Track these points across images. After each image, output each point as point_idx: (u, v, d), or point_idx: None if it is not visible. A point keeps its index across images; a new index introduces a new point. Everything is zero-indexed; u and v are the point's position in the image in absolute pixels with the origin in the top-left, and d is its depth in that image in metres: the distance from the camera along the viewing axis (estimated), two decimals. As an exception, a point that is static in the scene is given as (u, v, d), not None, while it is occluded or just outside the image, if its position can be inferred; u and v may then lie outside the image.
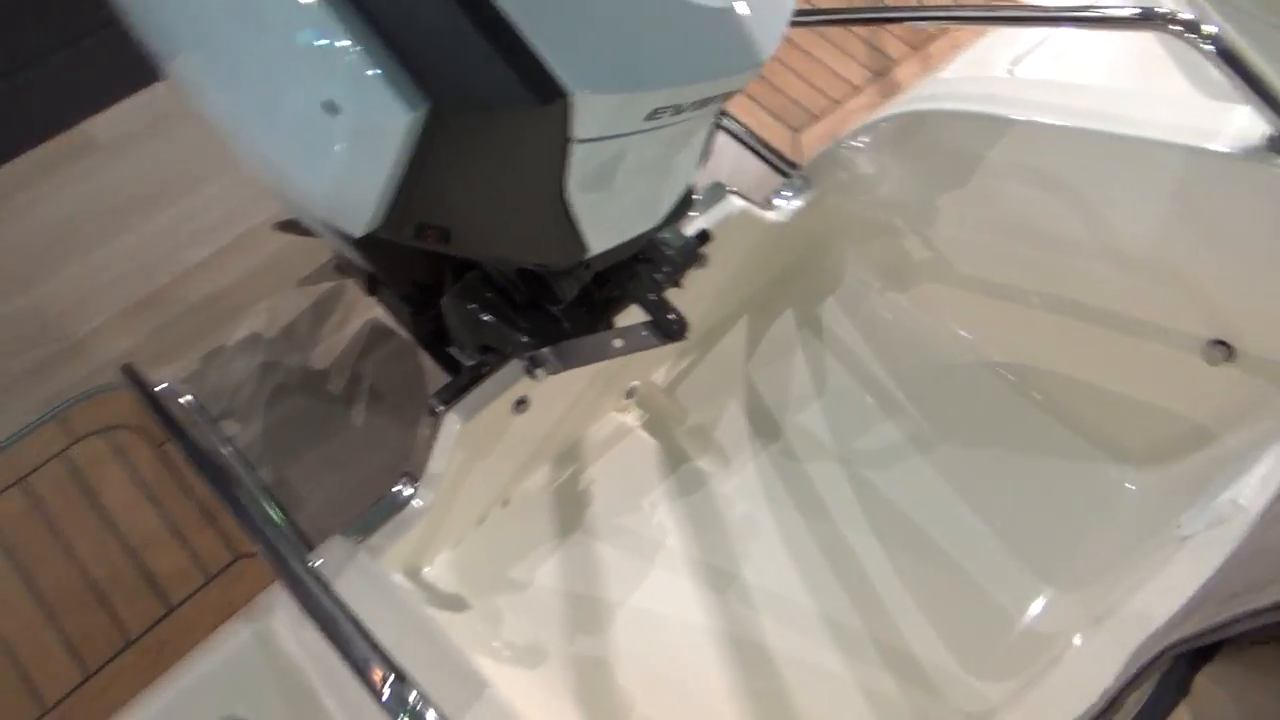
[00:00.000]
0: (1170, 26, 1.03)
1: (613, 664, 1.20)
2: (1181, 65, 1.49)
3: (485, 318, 1.13)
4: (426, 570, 1.26)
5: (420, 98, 0.77)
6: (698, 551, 1.29)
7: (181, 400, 1.47)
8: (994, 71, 1.50)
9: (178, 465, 1.36)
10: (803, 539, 1.30)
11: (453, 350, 1.30)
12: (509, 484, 1.33)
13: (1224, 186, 1.08)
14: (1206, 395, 1.20)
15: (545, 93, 0.76)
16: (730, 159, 1.72)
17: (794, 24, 1.60)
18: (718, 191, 1.40)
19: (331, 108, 0.79)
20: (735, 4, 0.81)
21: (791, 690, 1.19)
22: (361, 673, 0.68)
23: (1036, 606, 1.22)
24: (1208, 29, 1.01)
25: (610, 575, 1.27)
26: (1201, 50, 1.01)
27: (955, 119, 1.28)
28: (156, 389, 1.39)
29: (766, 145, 1.72)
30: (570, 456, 1.39)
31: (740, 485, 1.36)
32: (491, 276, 1.17)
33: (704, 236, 1.28)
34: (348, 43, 0.76)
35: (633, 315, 1.15)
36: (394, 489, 1.18)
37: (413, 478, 1.18)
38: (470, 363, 1.24)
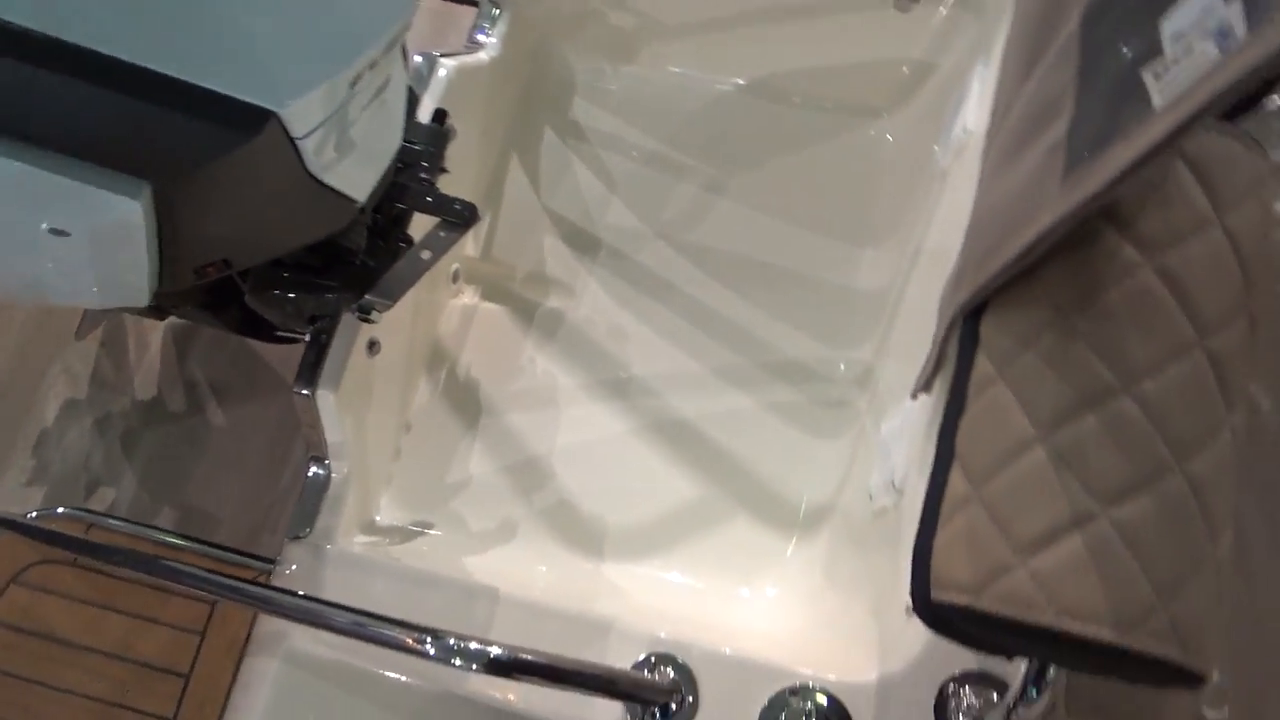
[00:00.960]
0: None
1: (573, 501, 1.35)
2: None
3: (293, 297, 1.16)
4: (378, 518, 1.36)
5: (135, 184, 0.78)
6: (589, 376, 1.42)
7: (60, 511, 1.46)
8: None
9: (100, 566, 1.39)
10: (665, 317, 1.44)
11: (283, 333, 1.33)
12: (402, 413, 1.41)
13: None
14: (913, 36, 1.35)
15: (251, 124, 0.78)
16: (421, 18, 1.69)
17: None
18: (428, 64, 1.40)
19: (58, 232, 0.79)
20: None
21: (716, 435, 1.37)
22: (395, 646, 0.76)
23: (864, 270, 1.42)
24: None
25: (530, 434, 1.40)
26: None
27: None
28: (30, 519, 1.39)
29: (442, -17, 1.69)
30: (438, 359, 1.47)
31: (593, 303, 1.47)
32: (280, 260, 1.19)
33: (440, 115, 1.31)
34: (35, 173, 0.75)
35: (423, 219, 1.21)
36: (309, 475, 1.24)
37: (318, 458, 1.24)
38: (306, 337, 1.28)
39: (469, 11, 1.65)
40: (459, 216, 1.22)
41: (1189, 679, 0.59)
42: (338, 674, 1.03)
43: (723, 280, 1.45)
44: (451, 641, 0.74)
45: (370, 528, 1.33)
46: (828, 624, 1.08)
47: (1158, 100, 0.49)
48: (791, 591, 1.25)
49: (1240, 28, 0.43)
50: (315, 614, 0.81)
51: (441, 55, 1.42)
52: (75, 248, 0.81)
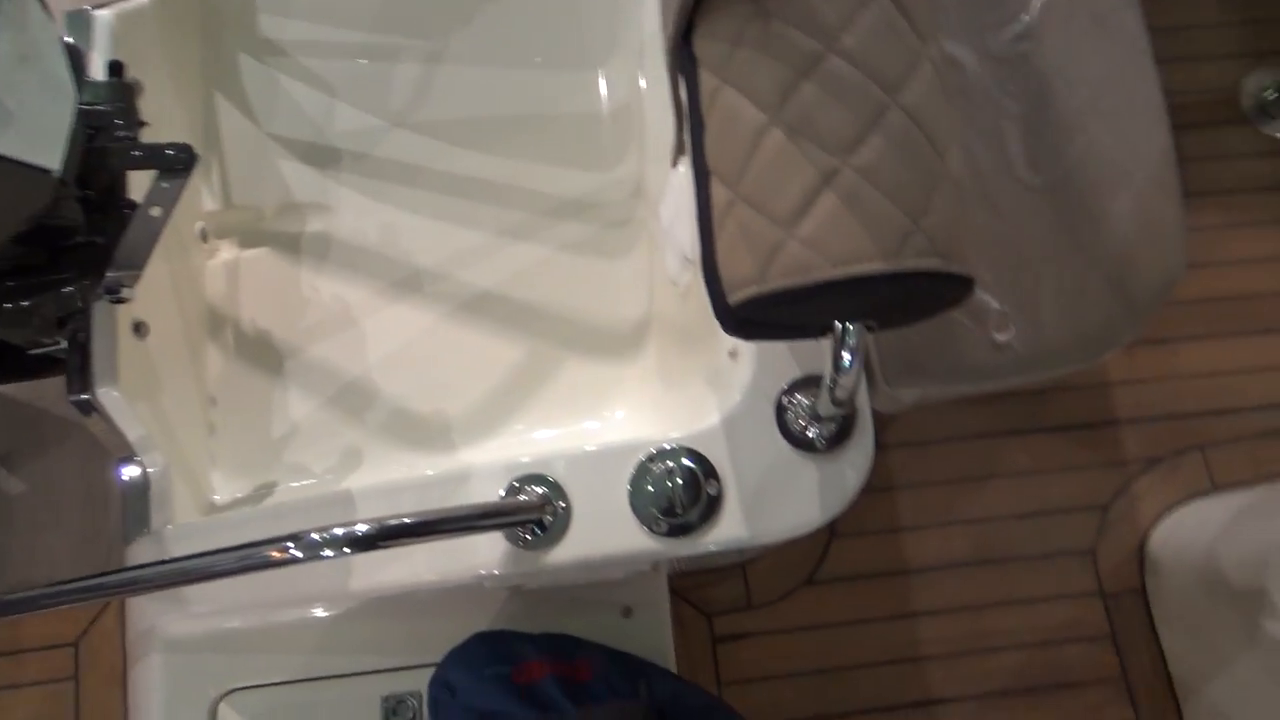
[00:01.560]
0: None
1: (408, 406, 1.33)
2: None
3: (27, 304, 1.07)
4: (217, 499, 1.30)
5: None
6: (377, 283, 1.38)
7: None
8: None
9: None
10: (431, 200, 1.41)
11: (35, 352, 1.22)
12: (200, 388, 1.34)
13: None
14: None
15: None
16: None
17: None
18: (82, 20, 1.28)
19: None
20: None
21: (521, 293, 1.37)
22: (263, 566, 0.73)
23: (602, 89, 1.42)
24: None
25: (341, 360, 1.36)
26: None
27: None
28: None
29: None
30: (217, 323, 1.39)
31: (354, 212, 1.42)
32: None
33: (116, 68, 1.20)
34: None
35: (142, 181, 1.12)
36: (124, 479, 1.17)
37: (128, 459, 1.17)
38: (63, 344, 1.18)
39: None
40: (177, 161, 1.14)
41: (960, 283, 0.65)
42: (222, 642, 1.00)
43: (472, 146, 1.43)
44: (314, 536, 0.73)
45: (212, 510, 1.28)
46: (674, 412, 1.12)
47: None
48: (638, 408, 1.28)
49: None
50: (161, 576, 0.78)
51: (94, 8, 1.29)
52: None
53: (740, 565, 1.55)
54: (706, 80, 0.69)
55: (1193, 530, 1.56)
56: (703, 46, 0.70)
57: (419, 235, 1.40)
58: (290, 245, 1.42)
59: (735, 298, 0.66)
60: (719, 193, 0.67)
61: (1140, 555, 1.63)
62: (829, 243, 0.62)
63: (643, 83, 1.36)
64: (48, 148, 0.96)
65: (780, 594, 1.56)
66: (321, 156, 1.45)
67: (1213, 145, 1.77)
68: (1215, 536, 1.48)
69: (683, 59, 0.73)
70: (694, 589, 1.55)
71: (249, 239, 1.43)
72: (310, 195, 1.43)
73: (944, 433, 1.63)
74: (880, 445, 1.66)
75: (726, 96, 0.67)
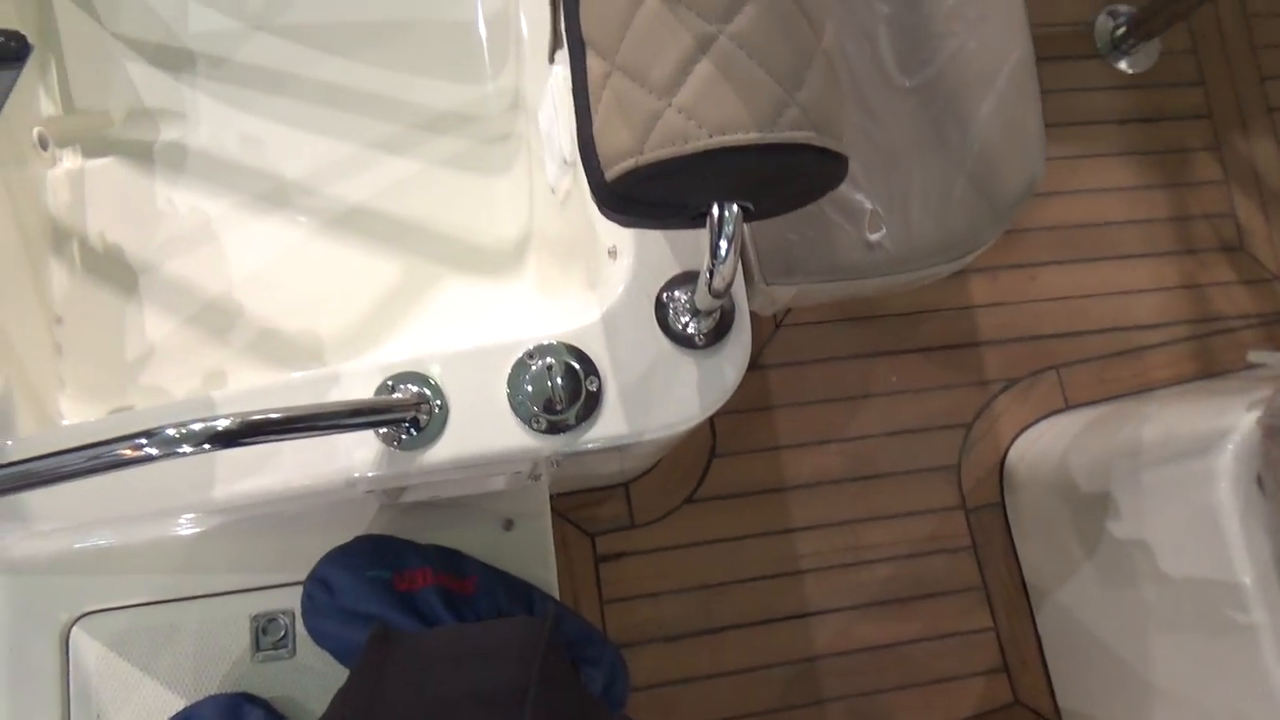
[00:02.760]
0: None
1: (275, 324, 1.27)
2: None
3: None
4: (65, 424, 1.22)
5: None
6: (240, 195, 1.31)
7: None
8: None
9: None
10: (296, 109, 1.33)
11: None
12: (43, 307, 1.24)
13: None
14: None
15: None
16: None
17: None
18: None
19: None
20: None
21: (396, 209, 1.31)
22: (115, 465, 0.68)
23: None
24: None
25: (202, 276, 1.28)
26: None
27: None
28: None
29: None
30: (62, 237, 1.29)
31: (212, 120, 1.33)
32: None
33: None
34: None
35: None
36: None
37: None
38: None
39: None
40: (6, 50, 1.04)
41: (833, 160, 0.66)
42: (71, 562, 0.94)
43: (340, 53, 1.36)
44: (170, 431, 0.68)
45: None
46: (552, 317, 1.10)
47: None
48: (519, 323, 1.26)
49: None
50: (17, 477, 0.72)
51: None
52: None
53: (624, 485, 1.56)
54: (582, -49, 0.67)
55: (1047, 445, 1.66)
56: (577, -84, 0.67)
57: (283, 146, 1.33)
58: (141, 154, 1.33)
59: (613, 172, 0.64)
60: (595, 65, 0.66)
61: (1000, 470, 1.72)
62: (706, 111, 0.61)
63: (520, -7, 1.32)
64: None
65: (662, 513, 1.58)
66: (174, 59, 1.35)
67: (1068, 78, 1.84)
68: (1066, 449, 1.57)
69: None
70: (577, 509, 1.55)
71: (94, 147, 1.32)
72: (162, 101, 1.34)
73: (820, 353, 1.67)
74: (758, 366, 1.69)
75: (602, -34, 0.65)
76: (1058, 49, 1.86)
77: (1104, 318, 1.80)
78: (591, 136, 0.67)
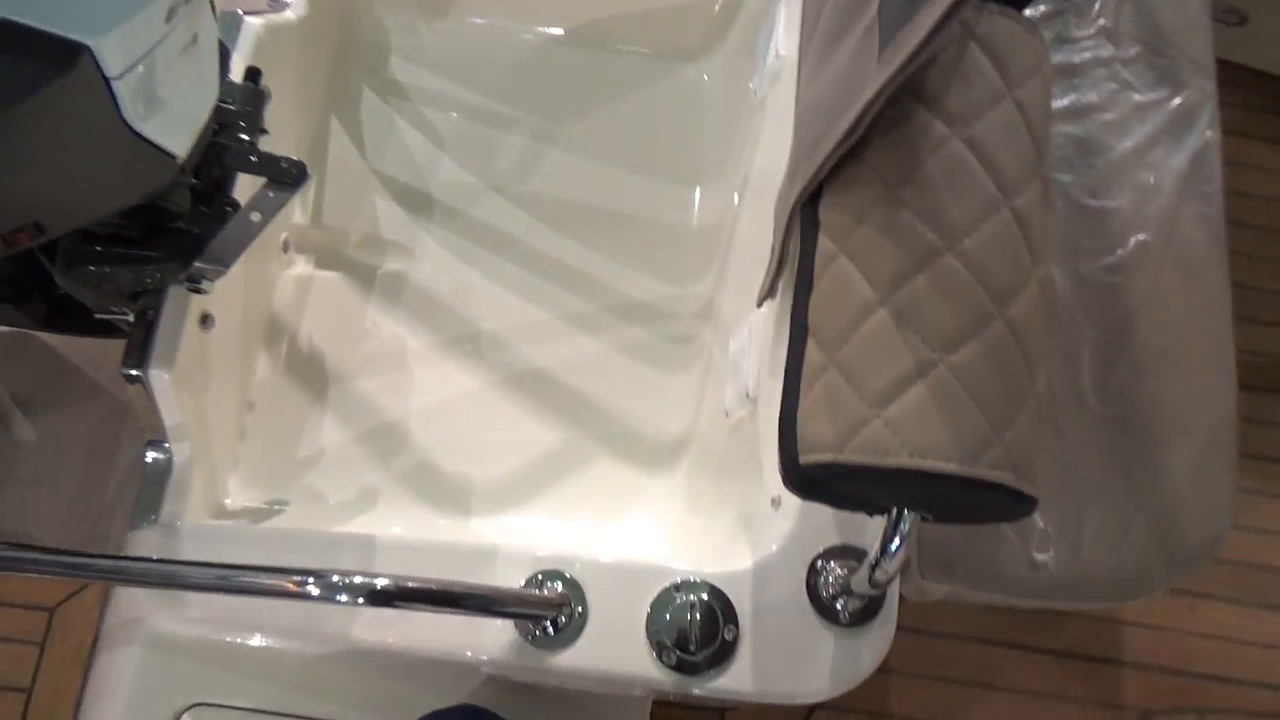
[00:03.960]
0: None
1: (434, 461, 1.34)
2: None
3: (111, 270, 1.10)
4: (228, 503, 1.30)
5: None
6: (438, 335, 1.41)
7: None
8: None
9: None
10: (508, 270, 1.44)
11: (102, 317, 1.24)
12: (243, 390, 1.36)
13: None
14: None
15: (63, 60, 0.73)
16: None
17: None
18: (232, 21, 1.34)
19: None
20: None
21: (570, 381, 1.39)
22: (275, 594, 0.74)
23: (696, 206, 1.47)
24: None
25: (382, 399, 1.37)
26: None
27: None
28: None
29: (239, -57, 1.61)
30: (276, 332, 1.41)
31: (434, 262, 1.45)
32: (92, 232, 1.12)
33: (254, 74, 1.25)
34: None
35: (247, 183, 1.16)
36: (148, 460, 1.18)
37: (157, 443, 1.18)
38: (131, 316, 1.20)
39: (262, -15, 1.59)
40: (288, 175, 1.18)
41: (1024, 502, 0.66)
42: (204, 651, 0.98)
43: (560, 229, 1.47)
44: (335, 579, 0.73)
45: (220, 513, 1.27)
46: (697, 539, 1.12)
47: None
48: (658, 522, 1.28)
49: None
50: (179, 576, 0.78)
51: (246, 14, 1.36)
52: None
53: (721, 709, 1.53)
54: (825, 245, 0.72)
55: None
56: (827, 213, 0.73)
57: (489, 301, 1.43)
58: (365, 277, 1.45)
59: (808, 458, 0.67)
60: (814, 354, 0.69)
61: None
62: (912, 432, 0.63)
63: (737, 211, 1.40)
64: (180, 135, 1.00)
65: (753, 749, 1.53)
66: (416, 201, 1.49)
67: (1269, 410, 1.78)
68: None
69: (804, 218, 0.76)
70: (666, 710, 1.52)
71: (327, 260, 1.46)
72: (396, 235, 1.47)
73: (951, 629, 1.61)
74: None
75: (841, 266, 0.70)
76: (1260, 379, 1.81)
77: (1264, 672, 1.67)
78: (795, 416, 0.70)
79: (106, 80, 0.80)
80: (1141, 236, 1.00)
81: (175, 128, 0.98)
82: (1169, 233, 0.99)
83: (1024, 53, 0.72)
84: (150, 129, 0.91)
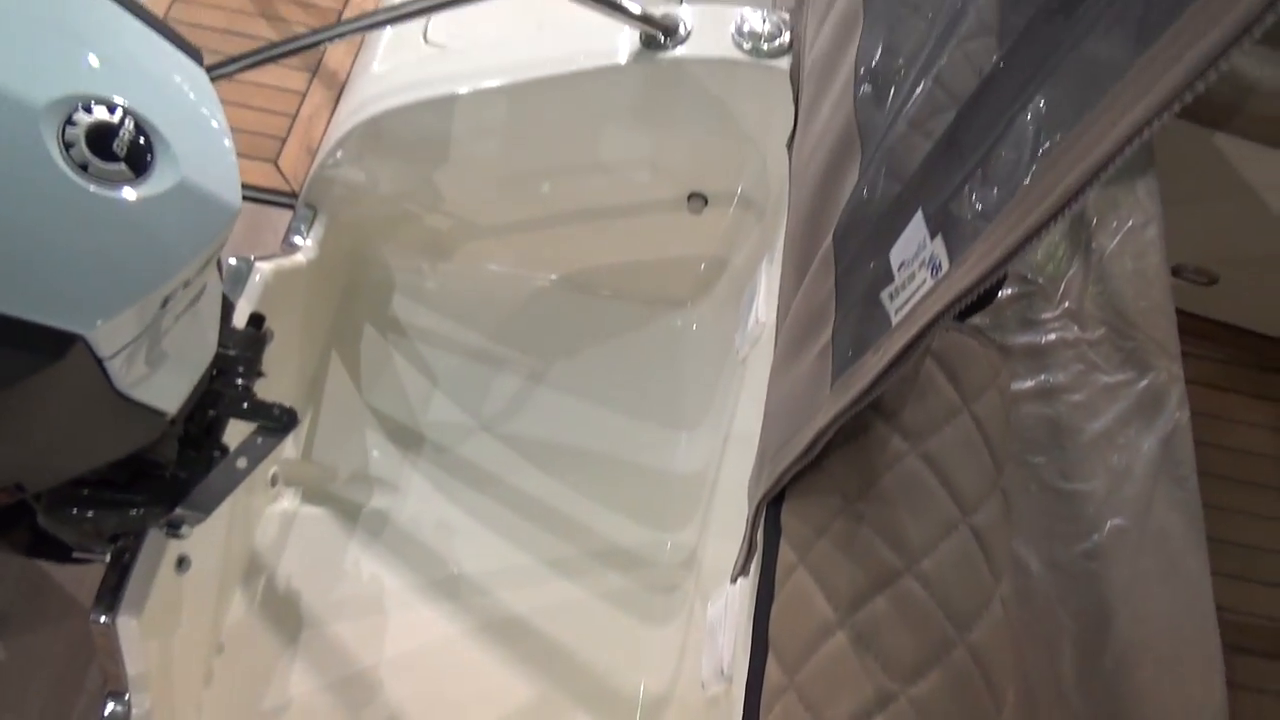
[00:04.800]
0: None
1: (404, 716, 1.29)
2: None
3: (93, 514, 1.10)
4: (187, 757, 1.25)
5: None
6: (417, 577, 1.39)
7: None
8: (413, 42, 1.60)
9: None
10: (492, 510, 1.44)
11: (79, 555, 1.24)
12: (214, 632, 1.33)
13: (635, 85, 1.30)
14: (707, 235, 1.48)
15: (56, 349, 0.76)
16: (239, 221, 1.70)
17: (219, 76, 1.58)
18: (245, 267, 1.41)
19: None
20: (184, 174, 0.83)
21: (549, 629, 1.36)
22: None
23: (680, 453, 1.48)
24: None
25: (356, 645, 1.34)
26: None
27: (410, 111, 1.39)
28: None
29: (256, 188, 1.71)
30: (255, 570, 1.40)
31: (418, 500, 1.46)
32: (80, 476, 1.13)
33: (258, 320, 1.30)
34: None
35: (237, 424, 1.18)
36: (106, 714, 1.14)
37: (116, 693, 1.14)
38: (106, 558, 1.19)
39: (284, 214, 1.68)
40: (277, 422, 1.20)
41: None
42: None
43: (546, 470, 1.48)
44: None
45: (176, 766, 1.22)
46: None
47: (894, 317, 0.57)
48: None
49: (944, 261, 0.51)
50: None
51: (258, 259, 1.43)
52: None
53: None
54: (785, 554, 0.72)
55: None
56: (789, 520, 0.73)
57: (471, 541, 1.42)
58: (349, 514, 1.45)
59: (763, 786, 0.64)
60: (774, 673, 0.68)
61: None
62: (871, 772, 0.61)
63: (721, 460, 1.41)
64: (173, 393, 1.03)
65: None
66: (407, 438, 1.51)
67: (1260, 676, 1.71)
68: None
69: (769, 516, 0.76)
70: None
71: (313, 496, 1.47)
72: (384, 472, 1.48)
73: None
74: None
75: (800, 579, 0.69)
76: (1252, 642, 1.76)
77: None
78: (754, 737, 0.68)
79: (99, 360, 0.83)
80: (1117, 521, 1.00)
81: (168, 387, 1.00)
82: (1144, 518, 0.99)
83: (979, 366, 0.75)
84: (142, 393, 0.94)
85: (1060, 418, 1.02)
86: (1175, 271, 1.62)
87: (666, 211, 1.47)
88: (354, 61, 1.78)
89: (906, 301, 0.55)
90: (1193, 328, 1.67)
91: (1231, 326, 1.65)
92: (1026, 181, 0.46)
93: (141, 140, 0.81)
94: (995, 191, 0.49)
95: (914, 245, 0.54)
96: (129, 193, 0.80)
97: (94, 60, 0.82)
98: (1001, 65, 0.54)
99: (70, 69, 0.79)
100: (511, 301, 1.61)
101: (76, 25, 0.84)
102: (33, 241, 0.77)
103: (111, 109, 0.79)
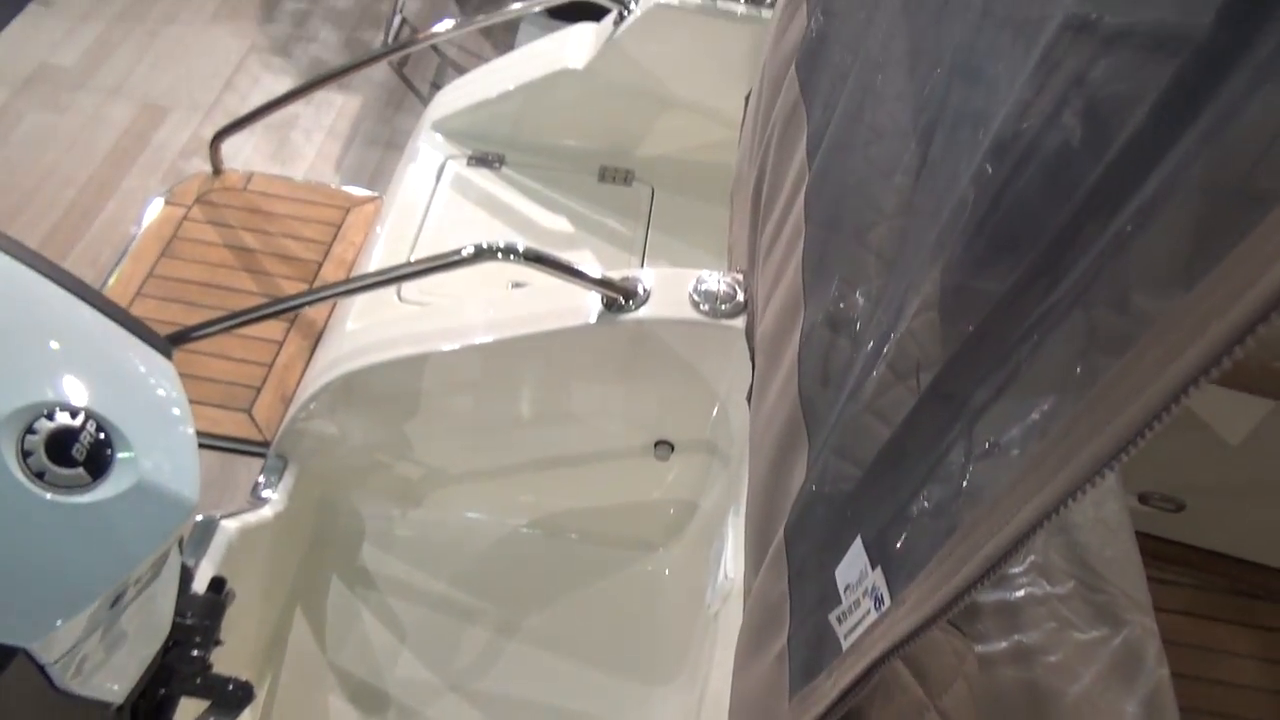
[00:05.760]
0: (499, 256, 1.28)
1: None
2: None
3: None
4: None
5: None
6: None
7: None
8: (388, 299, 1.66)
9: None
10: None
11: None
12: None
13: (601, 343, 1.35)
14: (674, 481, 1.49)
15: (-2, 662, 0.74)
16: (204, 482, 1.70)
17: (200, 338, 1.63)
18: (208, 527, 1.39)
19: None
20: (142, 472, 0.83)
21: None
22: None
23: (655, 710, 1.42)
24: (518, 247, 1.28)
25: None
26: (528, 264, 1.27)
27: (384, 369, 1.43)
28: None
29: (229, 438, 1.73)
30: None
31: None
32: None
33: (219, 584, 1.27)
34: None
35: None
36: None
37: None
38: None
39: (255, 461, 1.68)
40: (233, 699, 1.15)
41: None
42: None
43: (518, 729, 1.42)
44: None
45: None
46: None
47: (843, 643, 0.57)
48: None
49: (885, 594, 0.51)
50: None
51: (223, 517, 1.42)
52: None
53: None
54: None
55: None
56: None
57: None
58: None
59: None
60: None
61: None
62: None
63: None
64: (120, 682, 0.99)
65: None
66: (371, 700, 1.45)
67: None
68: None
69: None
70: None
71: (268, 776, 1.39)
72: (346, 739, 1.41)
73: None
74: None
75: None
76: None
77: None
78: None
79: (40, 667, 0.80)
80: (1107, 795, 0.95)
81: (116, 676, 0.97)
82: (1134, 789, 0.95)
83: (944, 656, 0.73)
84: (87, 688, 0.90)
85: (1039, 681, 0.99)
86: (1142, 499, 1.63)
87: (635, 457, 1.49)
88: (330, 312, 1.85)
89: (854, 628, 0.54)
90: (1165, 553, 1.66)
91: (1203, 550, 1.65)
92: (964, 521, 0.46)
93: (101, 438, 0.82)
94: (931, 524, 0.50)
95: (856, 570, 0.54)
96: (85, 496, 0.80)
97: (59, 364, 0.84)
98: (932, 388, 0.56)
99: (35, 375, 0.81)
100: (483, 548, 1.59)
101: (44, 325, 0.87)
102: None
103: (74, 414, 0.80)
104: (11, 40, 2.61)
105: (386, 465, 1.59)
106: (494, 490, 1.59)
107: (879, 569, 0.52)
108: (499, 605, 1.54)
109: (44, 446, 0.79)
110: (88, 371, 0.87)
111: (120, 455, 0.84)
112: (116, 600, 0.86)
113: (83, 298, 0.91)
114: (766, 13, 1.77)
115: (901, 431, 0.55)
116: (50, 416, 0.80)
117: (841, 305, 0.84)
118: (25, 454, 0.79)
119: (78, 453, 0.81)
